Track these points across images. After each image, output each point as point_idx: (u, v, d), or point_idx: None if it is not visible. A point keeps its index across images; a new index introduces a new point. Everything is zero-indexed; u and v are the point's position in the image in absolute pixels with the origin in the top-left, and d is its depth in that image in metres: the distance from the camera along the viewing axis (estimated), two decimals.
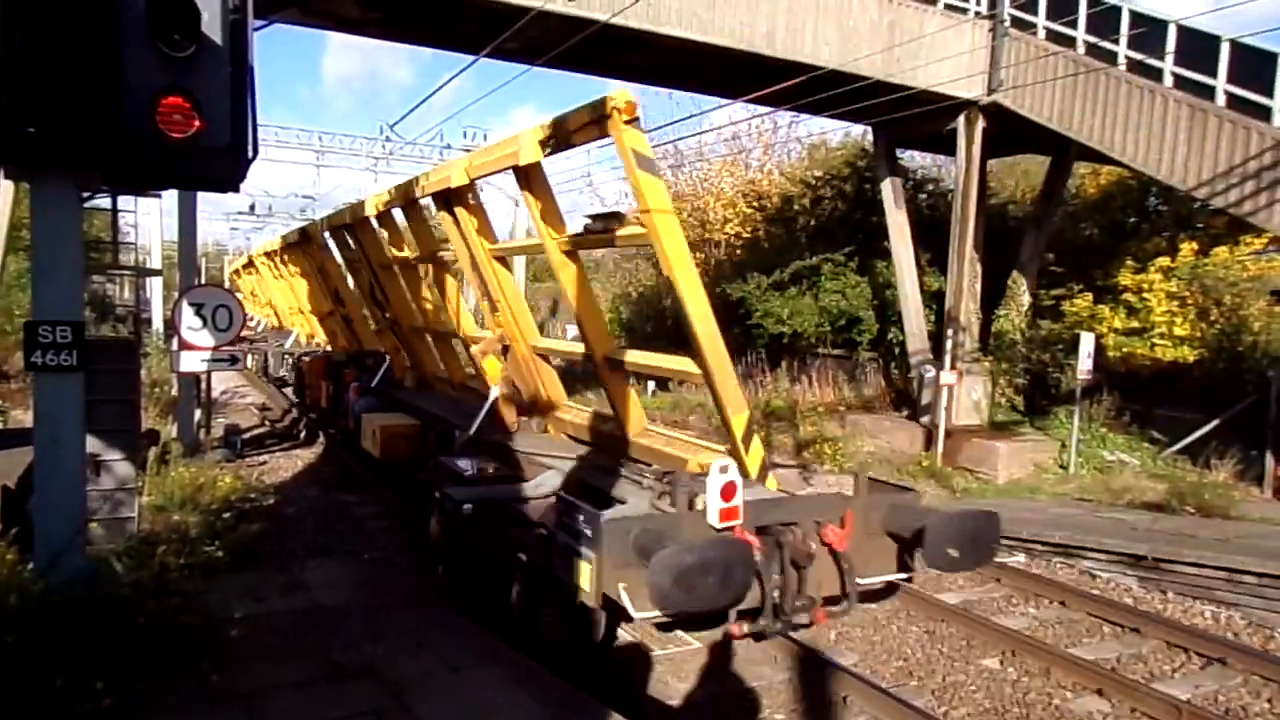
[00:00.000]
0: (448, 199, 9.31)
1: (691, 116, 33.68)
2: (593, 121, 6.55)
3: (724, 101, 18.60)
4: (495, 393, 9.17)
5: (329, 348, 18.61)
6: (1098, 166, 19.86)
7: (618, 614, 5.35)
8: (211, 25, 4.73)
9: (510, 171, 7.97)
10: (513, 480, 7.35)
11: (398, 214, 11.70)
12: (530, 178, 7.97)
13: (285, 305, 24.48)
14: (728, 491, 5.38)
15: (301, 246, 18.05)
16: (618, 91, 6.37)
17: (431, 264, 11.67)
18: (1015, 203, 23.23)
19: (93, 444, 6.20)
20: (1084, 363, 13.56)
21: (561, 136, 7.16)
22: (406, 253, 12.20)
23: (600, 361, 8.24)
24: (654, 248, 6.94)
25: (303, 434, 15.77)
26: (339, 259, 15.68)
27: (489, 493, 6.98)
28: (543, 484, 6.84)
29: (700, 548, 4.97)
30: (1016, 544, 9.85)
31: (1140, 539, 9.12)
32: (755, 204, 26.28)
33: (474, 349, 10.31)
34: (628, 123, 6.30)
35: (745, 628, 5.50)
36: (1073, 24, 14.05)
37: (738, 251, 26.31)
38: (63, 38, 4.46)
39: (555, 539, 5.82)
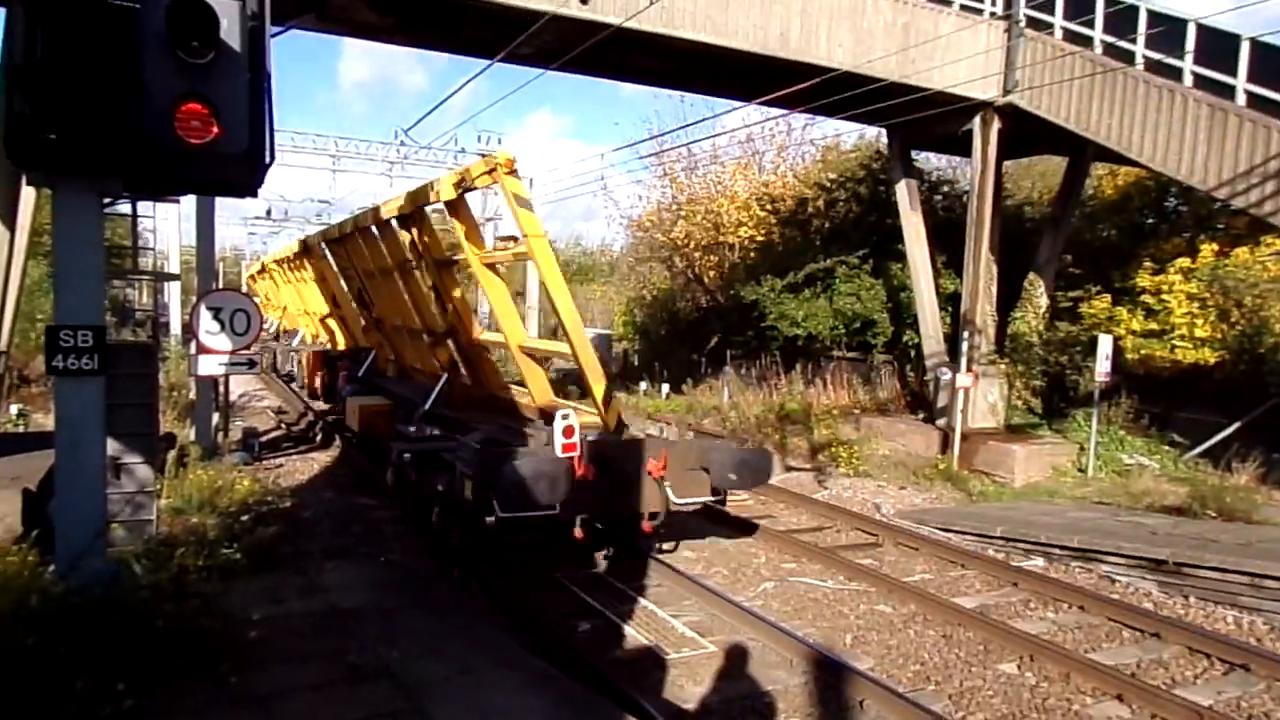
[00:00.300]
0: (404, 220, 11.72)
1: (704, 120, 33.71)
2: (487, 171, 9.09)
3: (737, 104, 18.59)
4: (445, 377, 11.70)
5: (328, 346, 21.00)
6: (1115, 167, 19.70)
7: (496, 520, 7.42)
8: (230, 32, 4.77)
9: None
10: (446, 438, 9.44)
11: (375, 230, 13.74)
12: (456, 209, 10.39)
13: (294, 308, 26.46)
14: (568, 432, 7.66)
15: (304, 256, 20.55)
16: (500, 150, 9.28)
17: (402, 271, 13.57)
18: (1032, 204, 23.07)
19: (112, 447, 6.26)
20: (1102, 365, 13.43)
21: (469, 181, 9.74)
22: (384, 262, 14.12)
23: (514, 349, 10.69)
24: (533, 260, 9.54)
25: (319, 437, 15.86)
26: (334, 267, 17.88)
27: (420, 445, 9.50)
28: (466, 439, 8.50)
29: (533, 463, 7.26)
30: (1034, 548, 9.76)
31: (1161, 543, 9.02)
32: (769, 207, 26.23)
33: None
34: (509, 174, 8.64)
35: (583, 530, 7.88)
36: (1090, 24, 13.94)
37: (751, 254, 26.26)
38: (83, 46, 4.51)
39: (456, 469, 8.05)
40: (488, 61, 12.86)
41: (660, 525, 8.42)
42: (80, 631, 4.31)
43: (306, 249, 20.05)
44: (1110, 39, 13.70)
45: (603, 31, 11.79)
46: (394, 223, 12.43)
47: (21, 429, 13.39)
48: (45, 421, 13.85)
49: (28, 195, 9.26)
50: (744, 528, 10.62)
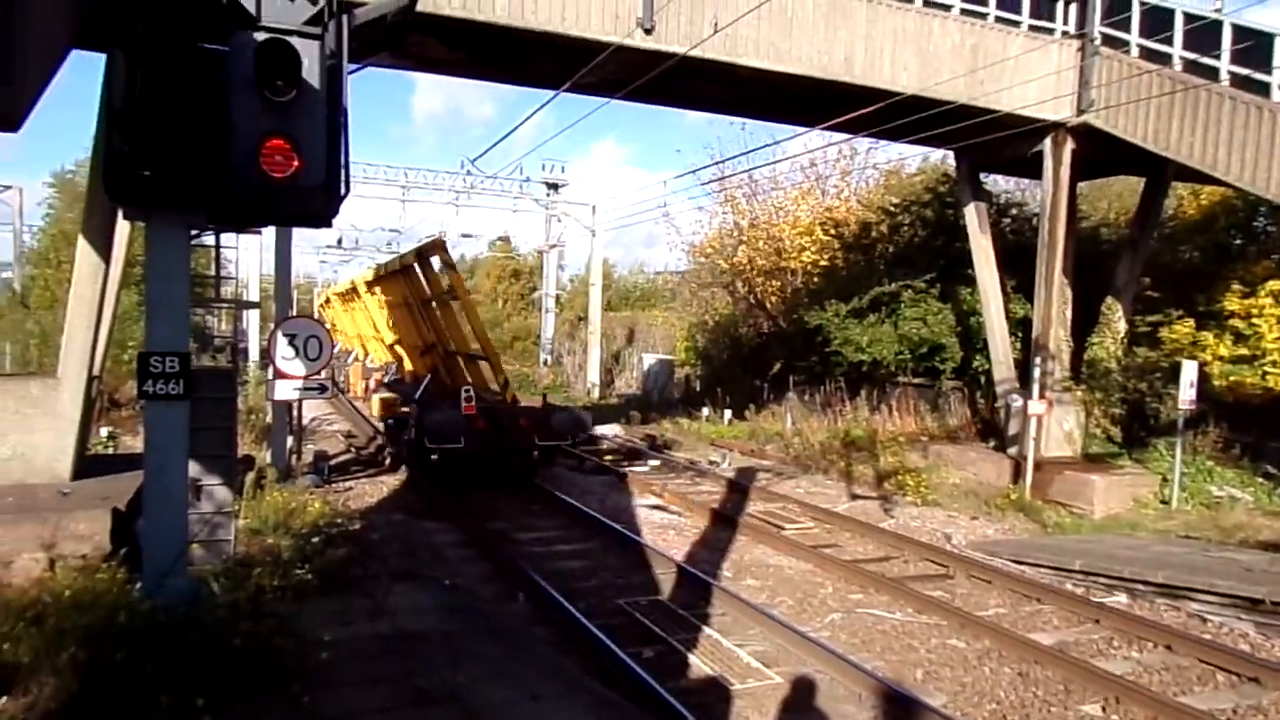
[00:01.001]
0: (399, 273, 18.21)
1: (766, 146, 33.57)
2: (430, 247, 15.74)
3: (800, 130, 18.52)
4: (429, 376, 17.11)
5: (370, 362, 27.33)
6: (1198, 186, 18.95)
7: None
8: (311, 71, 4.97)
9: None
10: (409, 411, 15.09)
11: (387, 278, 19.83)
12: (422, 268, 16.56)
13: (350, 332, 31.42)
14: (467, 398, 13.21)
15: (353, 292, 26.74)
16: (436, 239, 16.74)
17: (405, 305, 18.53)
18: (1108, 225, 22.33)
19: (194, 469, 6.48)
20: (1185, 392, 12.87)
21: (425, 253, 16.13)
22: (395, 299, 19.57)
23: (460, 353, 16.15)
24: (462, 301, 15.53)
25: (387, 461, 16.21)
26: (370, 303, 23.34)
27: (396, 414, 16.30)
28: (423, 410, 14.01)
29: (443, 415, 13.11)
30: (1116, 583, 9.34)
31: (1257, 580, 8.53)
32: (832, 231, 25.98)
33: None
34: (441, 250, 15.09)
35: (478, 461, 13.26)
36: (1168, 40, 13.51)
37: (814, 279, 26.00)
38: (177, 87, 4.76)
39: (411, 424, 14.01)
40: (553, 92, 13.11)
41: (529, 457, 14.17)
42: (164, 647, 4.45)
43: (353, 287, 26.06)
44: (1191, 55, 13.25)
45: (666, 61, 11.91)
46: (397, 274, 18.48)
47: (111, 451, 14.02)
48: (132, 444, 14.48)
49: (123, 229, 9.75)
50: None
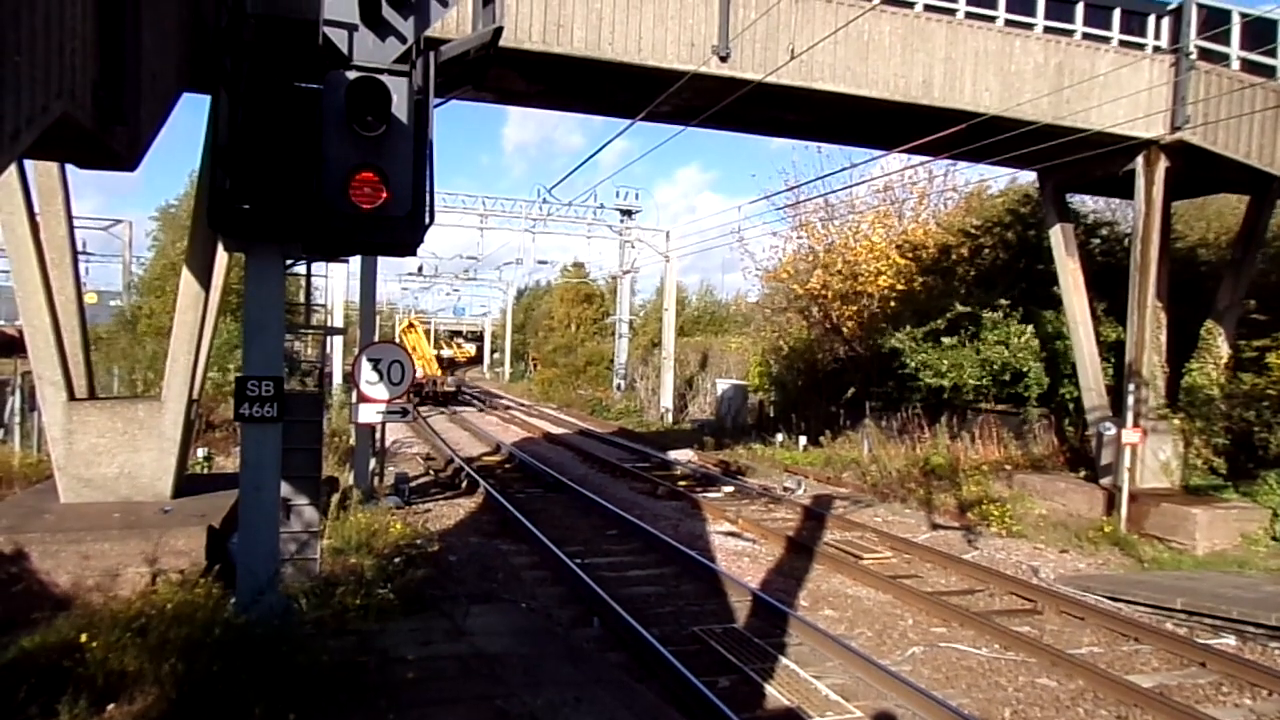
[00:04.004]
0: (409, 326, 47.92)
1: (842, 170, 33.19)
2: (414, 320, 52.04)
3: (877, 153, 18.31)
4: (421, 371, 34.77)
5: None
6: None
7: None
8: (399, 106, 5.17)
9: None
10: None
11: (408, 325, 49.02)
12: (411, 327, 47.43)
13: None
14: (420, 372, 31.53)
15: (406, 329, 45.58)
16: (414, 316, 57.56)
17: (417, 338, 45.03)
18: (1205, 245, 21.27)
19: (284, 489, 6.74)
20: None
21: (413, 320, 52.04)
22: (412, 334, 44.90)
23: (426, 357, 42.11)
24: (410, 337, 45.23)
25: (464, 484, 16.51)
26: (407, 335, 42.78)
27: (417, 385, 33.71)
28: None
29: (419, 381, 35.65)
30: (1223, 624, 8.79)
31: None
32: (910, 255, 25.47)
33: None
34: (417, 321, 51.89)
35: (426, 395, 40.06)
36: (1272, 53, 12.89)
37: (891, 303, 25.50)
38: (275, 125, 5.02)
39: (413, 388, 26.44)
40: (629, 121, 13.28)
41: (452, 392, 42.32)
42: (257, 661, 4.62)
43: (404, 327, 47.09)
44: None
45: (742, 88, 11.95)
46: (410, 325, 46.93)
47: (206, 471, 14.67)
48: (225, 464, 15.13)
49: (221, 258, 10.26)
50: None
